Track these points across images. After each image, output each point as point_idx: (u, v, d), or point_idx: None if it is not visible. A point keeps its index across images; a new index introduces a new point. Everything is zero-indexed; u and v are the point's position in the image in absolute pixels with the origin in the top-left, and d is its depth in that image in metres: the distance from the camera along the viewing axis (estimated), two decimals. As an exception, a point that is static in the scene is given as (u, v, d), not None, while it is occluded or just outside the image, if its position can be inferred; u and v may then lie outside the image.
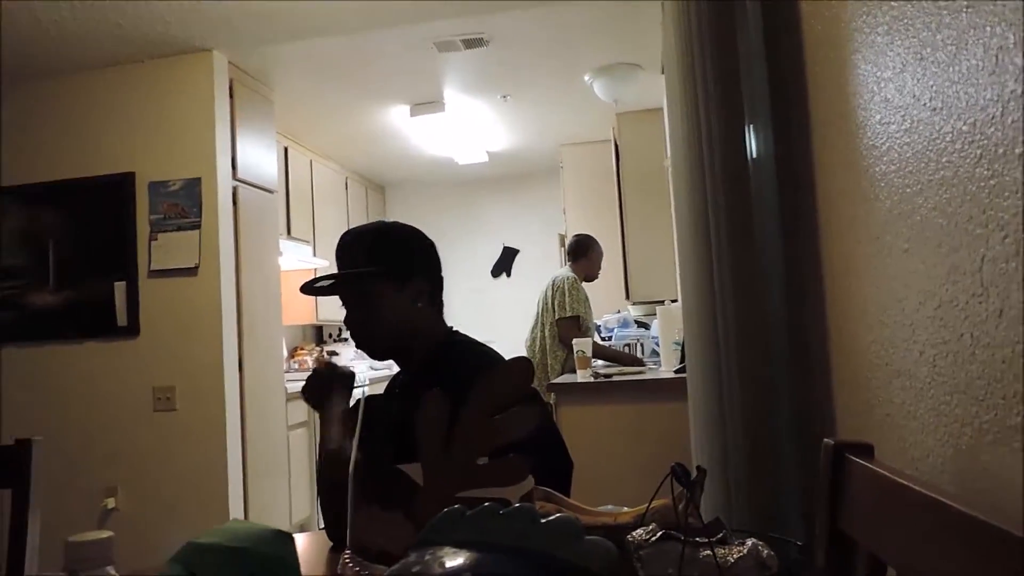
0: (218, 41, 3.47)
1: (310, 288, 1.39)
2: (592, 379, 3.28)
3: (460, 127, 5.12)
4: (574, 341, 3.45)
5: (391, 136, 5.25)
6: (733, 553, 0.83)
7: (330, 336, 6.00)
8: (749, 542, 0.84)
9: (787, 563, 0.89)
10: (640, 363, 4.00)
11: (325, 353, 5.44)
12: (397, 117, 4.82)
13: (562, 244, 6.65)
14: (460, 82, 4.25)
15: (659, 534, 0.84)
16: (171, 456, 3.44)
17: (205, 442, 3.43)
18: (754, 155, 1.46)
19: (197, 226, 3.47)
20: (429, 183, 6.67)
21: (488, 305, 6.70)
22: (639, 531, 0.86)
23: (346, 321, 1.42)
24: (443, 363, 1.37)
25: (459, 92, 4.42)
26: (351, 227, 1.51)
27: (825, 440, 0.90)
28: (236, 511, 3.48)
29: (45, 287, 3.62)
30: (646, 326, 4.79)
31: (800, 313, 1.40)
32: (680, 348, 3.51)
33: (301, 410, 4.28)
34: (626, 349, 4.42)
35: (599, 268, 4.31)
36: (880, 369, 1.10)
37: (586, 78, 4.18)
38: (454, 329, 1.50)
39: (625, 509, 1.01)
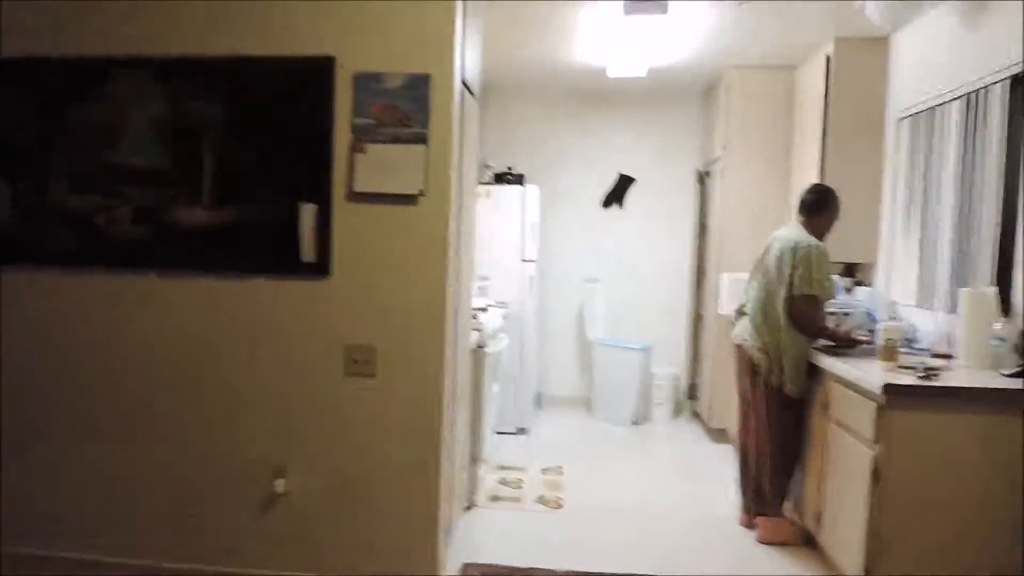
0: None
1: None
2: (922, 380, 2.61)
3: (622, 37, 4.27)
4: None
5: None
6: None
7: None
8: None
9: None
10: (856, 343, 3.28)
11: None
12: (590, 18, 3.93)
13: (699, 181, 5.89)
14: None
15: None
16: (363, 434, 2.69)
17: (409, 423, 2.67)
18: None
19: (423, 139, 2.60)
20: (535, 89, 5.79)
21: (595, 236, 6.09)
22: None
23: None
24: None
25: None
26: None
27: None
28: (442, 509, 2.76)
29: (197, 201, 2.73)
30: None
31: None
32: (1001, 344, 2.87)
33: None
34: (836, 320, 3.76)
35: (830, 229, 3.57)
36: None
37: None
38: None
39: None
